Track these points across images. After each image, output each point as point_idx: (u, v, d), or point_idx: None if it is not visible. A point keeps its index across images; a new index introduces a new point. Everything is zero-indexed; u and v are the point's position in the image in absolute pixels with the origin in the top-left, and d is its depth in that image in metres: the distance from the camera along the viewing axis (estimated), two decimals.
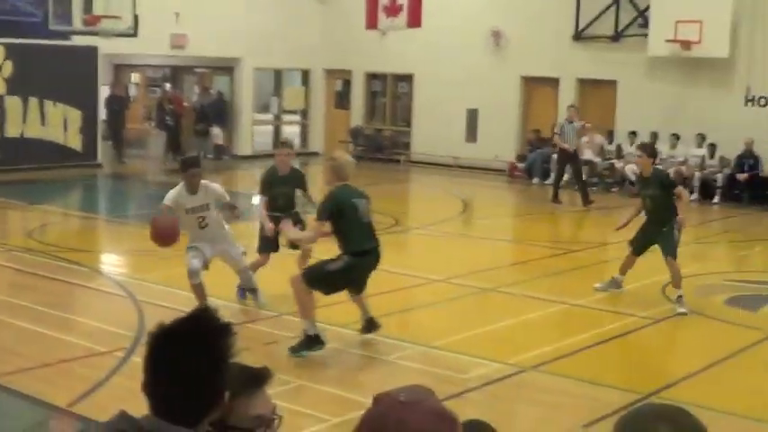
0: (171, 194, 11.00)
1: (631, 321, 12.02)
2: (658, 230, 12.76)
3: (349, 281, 10.10)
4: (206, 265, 11.12)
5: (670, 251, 12.56)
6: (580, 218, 22.32)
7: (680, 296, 12.46)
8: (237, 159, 29.79)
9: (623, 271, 13.38)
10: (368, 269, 10.20)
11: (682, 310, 12.30)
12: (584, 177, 25.04)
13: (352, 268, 9.90)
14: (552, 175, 26.25)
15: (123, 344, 10.07)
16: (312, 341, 9.80)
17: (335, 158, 10.39)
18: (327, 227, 9.92)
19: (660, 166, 14.95)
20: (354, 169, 10.34)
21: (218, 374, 2.86)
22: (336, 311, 10.62)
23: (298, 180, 12.49)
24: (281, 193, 12.23)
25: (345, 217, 9.83)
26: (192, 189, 10.94)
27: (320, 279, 9.84)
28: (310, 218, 10.98)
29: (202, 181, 11.14)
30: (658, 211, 12.79)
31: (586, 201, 22.51)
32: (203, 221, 11.05)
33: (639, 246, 13.12)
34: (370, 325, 10.46)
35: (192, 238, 11.12)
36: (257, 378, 3.15)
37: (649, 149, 13.37)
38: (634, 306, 12.77)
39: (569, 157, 22.90)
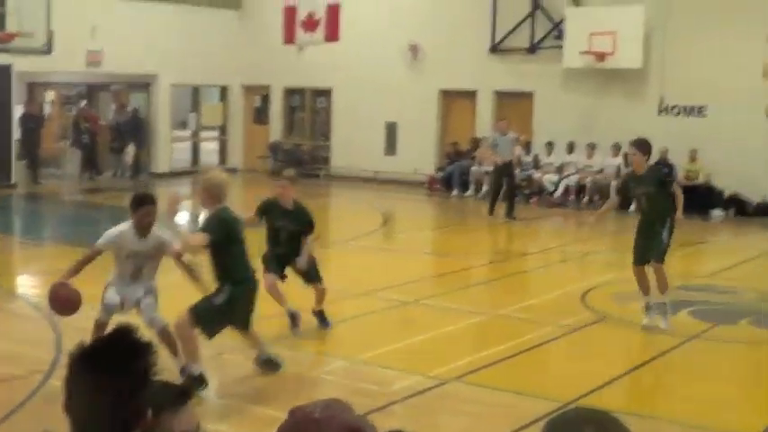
0: (112, 234, 9.46)
1: (551, 330, 12.13)
2: (650, 231, 12.15)
3: (234, 314, 9.38)
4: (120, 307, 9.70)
5: (656, 255, 12.12)
6: (499, 229, 22.46)
7: (663, 303, 12.21)
8: (155, 177, 29.52)
9: (645, 291, 12.43)
10: (250, 300, 9.48)
11: (645, 321, 12.06)
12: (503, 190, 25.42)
13: (236, 299, 9.26)
14: (472, 188, 26.58)
15: (41, 366, 9.91)
16: (198, 381, 9.00)
17: (211, 177, 9.51)
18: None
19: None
20: (230, 188, 9.69)
21: (140, 392, 2.85)
22: (259, 327, 10.55)
23: (301, 217, 11.40)
24: (282, 227, 11.20)
25: (233, 243, 9.22)
26: (143, 232, 9.40)
27: (209, 314, 9.14)
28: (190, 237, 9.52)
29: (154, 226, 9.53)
30: (655, 210, 12.16)
31: (511, 214, 22.55)
32: (139, 272, 9.60)
33: (640, 254, 12.32)
34: (269, 364, 9.91)
35: (116, 279, 9.72)
36: (182, 394, 3.15)
37: (644, 146, 12.41)
38: (553, 315, 12.89)
39: (505, 170, 22.70)
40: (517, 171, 24.83)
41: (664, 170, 13.11)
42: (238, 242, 9.31)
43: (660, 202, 12.15)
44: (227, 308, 9.22)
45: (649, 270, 12.34)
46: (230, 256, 9.25)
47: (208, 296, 9.29)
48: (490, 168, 23.87)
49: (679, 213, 12.20)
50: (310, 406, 2.37)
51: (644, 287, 12.40)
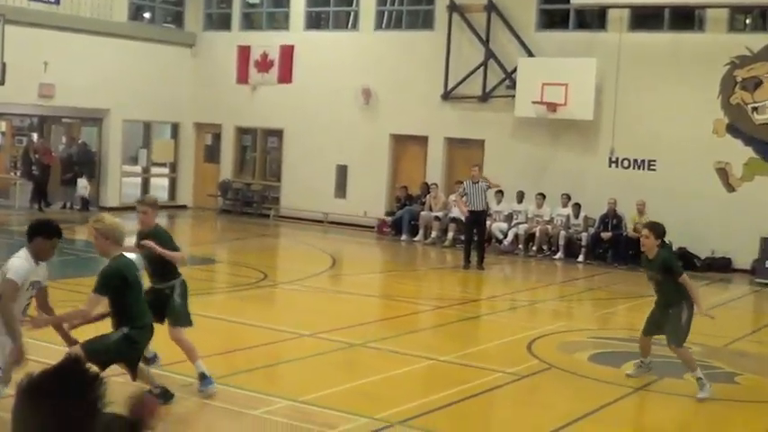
0: (21, 267, 8.49)
1: (498, 377, 12.10)
2: (665, 313, 11.81)
3: (129, 353, 9.17)
4: None
5: (674, 339, 11.69)
6: (448, 275, 22.48)
7: (699, 378, 11.60)
8: (105, 211, 29.28)
9: (644, 354, 12.39)
10: (145, 342, 9.45)
11: (702, 395, 11.47)
12: (452, 235, 25.43)
13: (132, 340, 9.09)
14: (421, 232, 26.54)
15: None
16: None
17: (103, 220, 9.15)
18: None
19: (667, 248, 13.19)
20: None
21: (88, 425, 2.78)
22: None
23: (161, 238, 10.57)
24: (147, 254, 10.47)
25: (130, 292, 9.02)
26: (43, 258, 8.73)
27: (102, 351, 8.81)
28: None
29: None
30: (663, 294, 11.88)
31: (480, 264, 22.12)
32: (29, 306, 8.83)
33: (650, 326, 12.15)
34: (165, 394, 9.73)
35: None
36: (133, 427, 3.09)
37: (658, 230, 11.97)
38: (500, 362, 12.87)
39: (476, 220, 22.24)
40: (489, 222, 24.48)
41: (671, 258, 12.15)
42: (136, 291, 9.11)
43: (668, 288, 11.75)
44: (124, 346, 9.02)
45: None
46: (128, 304, 9.03)
47: (103, 335, 9.08)
48: (461, 216, 23.26)
49: (698, 307, 11.69)
50: None
51: (645, 352, 12.39)
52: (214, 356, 10.60)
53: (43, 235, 8.64)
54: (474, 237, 22.32)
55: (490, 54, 26.79)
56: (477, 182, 22.15)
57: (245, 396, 10.20)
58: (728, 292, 21.76)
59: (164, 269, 10.50)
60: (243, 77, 31.13)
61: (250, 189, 31.60)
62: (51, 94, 27.97)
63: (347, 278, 21.64)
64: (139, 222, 10.72)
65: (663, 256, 11.83)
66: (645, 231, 11.96)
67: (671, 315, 11.65)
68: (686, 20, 25.30)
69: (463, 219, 22.74)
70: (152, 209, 10.72)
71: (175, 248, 10.54)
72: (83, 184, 29.30)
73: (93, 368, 2.84)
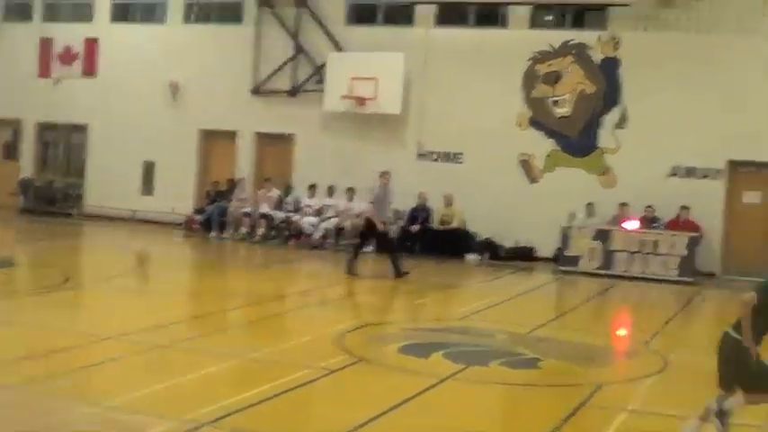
0: None
1: (308, 373, 12.02)
2: None
3: None
4: None
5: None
6: (257, 272, 22.34)
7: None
8: None
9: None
10: None
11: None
12: (262, 232, 25.31)
13: None
14: (230, 229, 26.30)
15: None
16: None
17: None
18: None
19: None
20: None
21: None
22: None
23: None
24: None
25: None
26: None
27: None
28: None
29: None
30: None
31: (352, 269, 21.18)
32: None
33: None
34: None
35: None
36: None
37: None
38: (310, 357, 12.80)
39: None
40: (276, 213, 24.26)
41: None
42: None
43: None
44: None
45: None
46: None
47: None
48: (247, 210, 22.58)
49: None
50: None
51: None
52: (9, 364, 10.18)
53: None
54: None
55: (300, 48, 26.75)
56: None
57: (42, 402, 9.81)
58: (532, 280, 22.33)
59: None
60: (45, 71, 30.21)
61: (52, 187, 30.68)
62: None
63: (155, 277, 21.27)
64: None
65: None
66: None
67: None
68: (490, 17, 25.83)
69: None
70: None
71: None
72: None
73: None
